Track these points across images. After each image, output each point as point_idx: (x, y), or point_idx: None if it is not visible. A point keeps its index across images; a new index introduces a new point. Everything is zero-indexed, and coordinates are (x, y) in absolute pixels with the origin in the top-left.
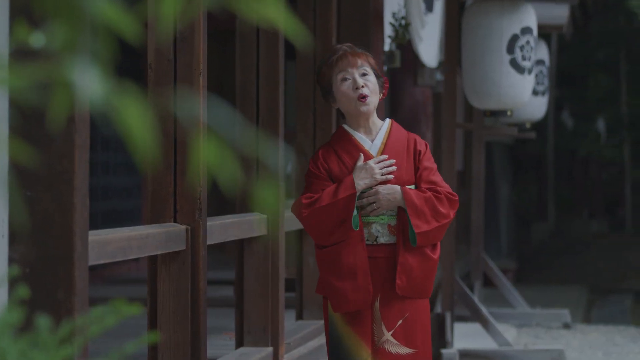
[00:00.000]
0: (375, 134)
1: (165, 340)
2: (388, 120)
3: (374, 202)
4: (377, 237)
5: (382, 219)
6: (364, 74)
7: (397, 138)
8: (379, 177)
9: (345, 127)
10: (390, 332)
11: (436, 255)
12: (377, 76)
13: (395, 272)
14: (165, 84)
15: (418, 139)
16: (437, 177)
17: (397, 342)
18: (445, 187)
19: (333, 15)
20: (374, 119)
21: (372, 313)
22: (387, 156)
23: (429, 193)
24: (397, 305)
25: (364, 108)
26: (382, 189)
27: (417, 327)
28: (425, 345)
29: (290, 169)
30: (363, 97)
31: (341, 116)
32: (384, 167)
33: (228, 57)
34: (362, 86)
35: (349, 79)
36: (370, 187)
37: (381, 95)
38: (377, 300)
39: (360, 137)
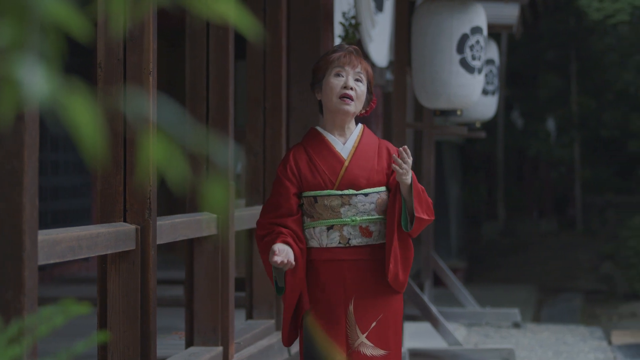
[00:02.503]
0: (348, 137)
1: (115, 339)
2: (360, 125)
3: (404, 164)
4: (349, 239)
5: (354, 221)
6: (357, 80)
7: (368, 142)
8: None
9: (318, 128)
10: (365, 334)
11: (412, 253)
12: (369, 91)
13: (368, 276)
14: (115, 83)
15: (390, 145)
16: None
17: (371, 344)
18: None
19: (283, 15)
20: (350, 125)
21: (346, 316)
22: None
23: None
24: (371, 307)
25: (343, 107)
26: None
27: (390, 328)
28: (397, 347)
29: (240, 169)
30: (346, 97)
31: (320, 112)
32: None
33: (178, 56)
34: (351, 88)
35: (342, 77)
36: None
37: (364, 110)
38: (351, 303)
39: (333, 138)
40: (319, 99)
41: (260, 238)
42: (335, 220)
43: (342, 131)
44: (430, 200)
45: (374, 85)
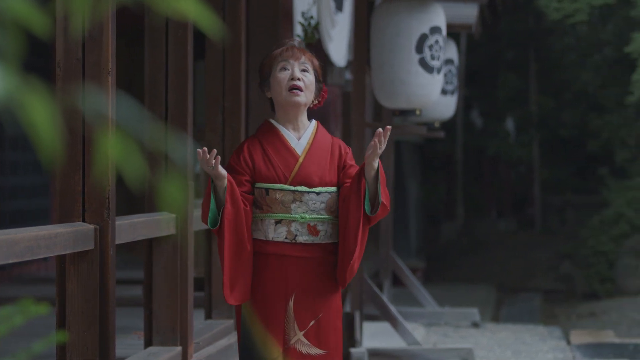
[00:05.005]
0: (302, 133)
1: (74, 340)
2: (314, 121)
3: (379, 143)
4: (295, 235)
5: (303, 218)
6: (304, 70)
7: (322, 140)
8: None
9: (272, 121)
10: (303, 332)
11: (365, 242)
12: (317, 80)
13: (311, 274)
14: (74, 83)
15: (342, 143)
16: None
17: (308, 343)
18: None
19: (242, 14)
20: (303, 118)
21: (285, 312)
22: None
23: None
24: (310, 306)
25: (294, 99)
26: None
27: (330, 328)
28: (337, 347)
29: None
30: (295, 89)
31: (272, 110)
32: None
33: (137, 55)
34: (298, 79)
35: (288, 70)
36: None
37: (316, 101)
38: (292, 299)
39: (287, 133)
40: (269, 97)
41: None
42: (285, 215)
43: (295, 125)
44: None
45: (334, 84)
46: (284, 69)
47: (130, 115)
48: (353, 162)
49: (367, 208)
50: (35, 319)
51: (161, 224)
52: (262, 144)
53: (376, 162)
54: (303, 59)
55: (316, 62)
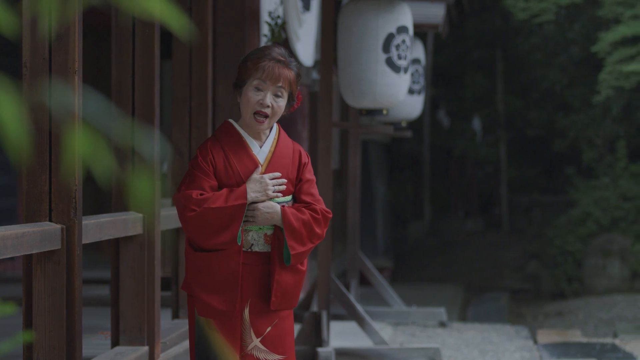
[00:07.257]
0: (264, 140)
1: (41, 339)
2: (276, 126)
3: (251, 216)
4: (252, 244)
5: (261, 228)
6: (277, 95)
7: (284, 147)
8: (270, 194)
9: (234, 124)
10: (259, 339)
11: (305, 267)
12: (291, 99)
13: (266, 281)
14: (40, 83)
15: (302, 150)
16: (316, 190)
17: (265, 349)
18: (320, 201)
19: (209, 14)
20: (265, 130)
21: (241, 319)
22: (279, 174)
23: (307, 215)
24: (266, 313)
25: (257, 126)
26: (262, 205)
27: (285, 333)
28: (292, 351)
29: (166, 168)
30: (261, 116)
31: (239, 110)
32: (277, 185)
33: (104, 55)
34: (268, 106)
35: (261, 92)
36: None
37: (285, 111)
38: (247, 306)
39: (249, 139)
40: (238, 102)
41: (199, 202)
42: (242, 224)
43: (257, 134)
44: (316, 220)
45: (300, 84)
46: (258, 89)
47: (97, 114)
48: (310, 176)
49: (286, 257)
50: (1, 319)
51: (128, 223)
52: (224, 148)
53: (279, 220)
54: (281, 82)
55: (293, 80)
